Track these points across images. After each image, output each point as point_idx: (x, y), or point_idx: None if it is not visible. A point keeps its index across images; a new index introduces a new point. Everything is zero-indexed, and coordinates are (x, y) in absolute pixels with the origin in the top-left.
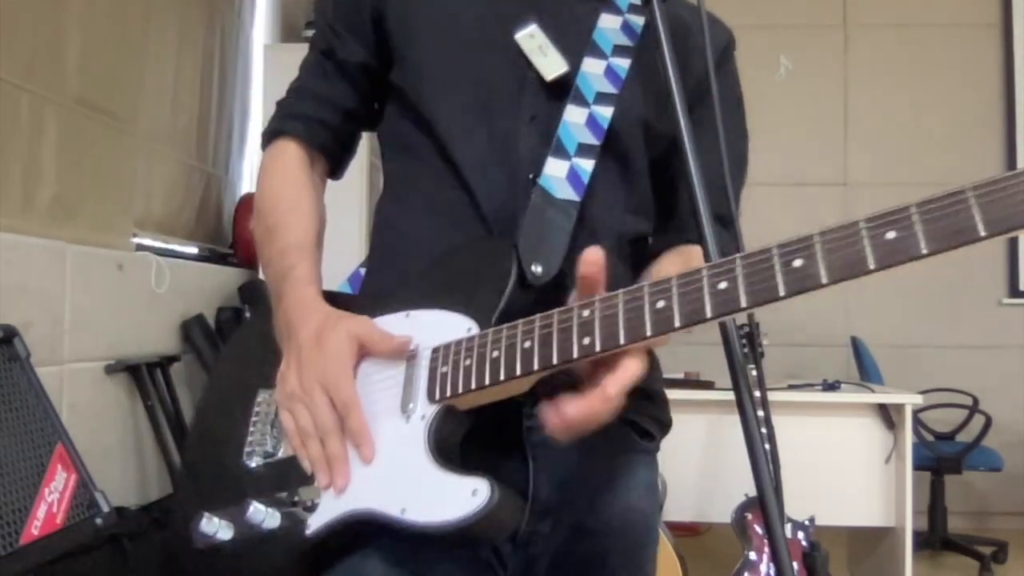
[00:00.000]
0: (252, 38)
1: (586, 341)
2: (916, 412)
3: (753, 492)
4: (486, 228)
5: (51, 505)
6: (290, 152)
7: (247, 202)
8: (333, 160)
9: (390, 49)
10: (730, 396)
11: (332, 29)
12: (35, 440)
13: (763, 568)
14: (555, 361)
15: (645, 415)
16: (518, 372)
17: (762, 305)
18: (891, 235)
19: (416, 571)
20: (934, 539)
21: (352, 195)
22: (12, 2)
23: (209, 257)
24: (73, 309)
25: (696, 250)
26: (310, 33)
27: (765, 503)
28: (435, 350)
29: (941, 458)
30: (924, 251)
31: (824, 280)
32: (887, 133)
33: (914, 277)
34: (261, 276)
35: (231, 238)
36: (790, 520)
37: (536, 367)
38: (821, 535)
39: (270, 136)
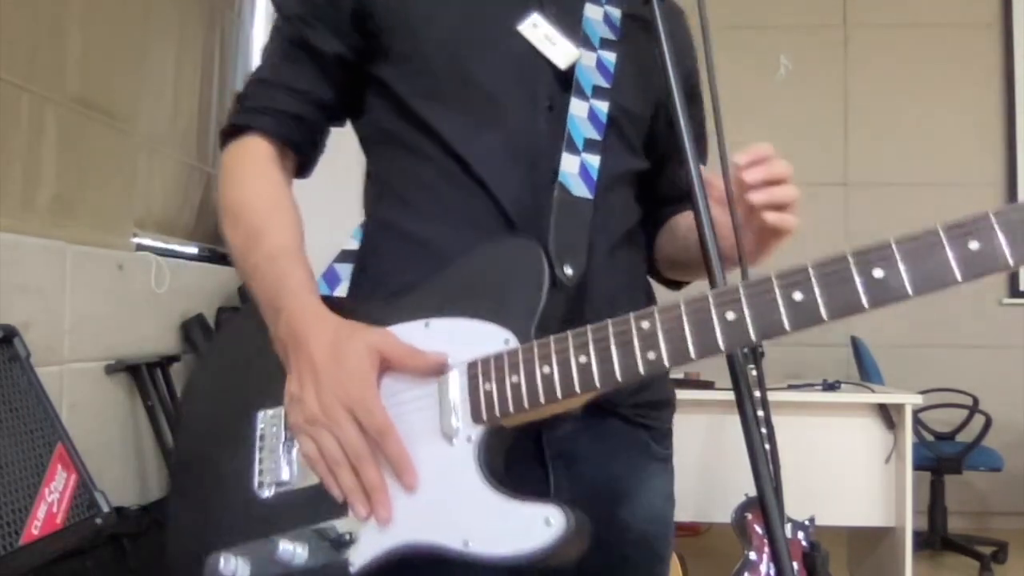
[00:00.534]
0: (252, 38)
1: (651, 355)
2: (916, 412)
3: (753, 492)
4: (509, 227)
5: (51, 505)
6: (259, 149)
7: None
8: (304, 157)
9: (375, 43)
10: (730, 396)
11: (303, 18)
12: (35, 440)
13: (763, 568)
14: (619, 378)
15: (658, 419)
16: (577, 390)
17: (840, 318)
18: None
19: None
20: (934, 539)
21: (351, 194)
22: (12, 2)
23: (209, 257)
24: (73, 309)
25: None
26: None
27: (765, 503)
28: (471, 365)
29: (941, 458)
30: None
31: (908, 291)
32: (887, 133)
33: None
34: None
35: None
36: (790, 520)
37: (598, 384)
38: (821, 535)
39: (234, 132)
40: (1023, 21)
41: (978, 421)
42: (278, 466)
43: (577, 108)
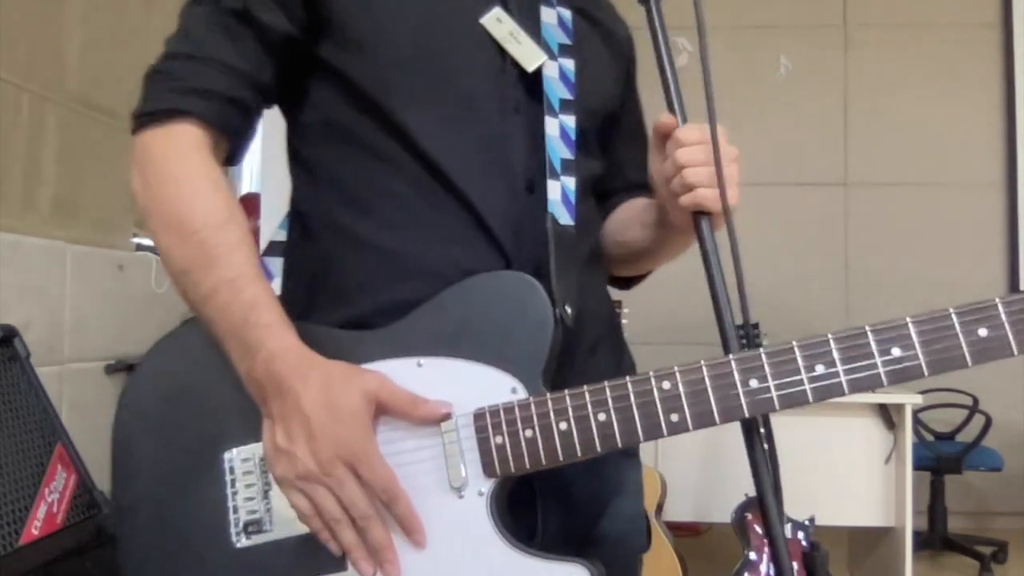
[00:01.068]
0: None
1: (674, 418)
2: (916, 412)
3: (753, 492)
4: (489, 241)
5: (51, 505)
6: (196, 141)
7: (248, 201)
8: (237, 146)
9: (328, 26)
10: None
11: None
12: (35, 440)
13: (763, 568)
14: (641, 439)
15: None
16: (599, 449)
17: (858, 392)
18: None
19: None
20: (934, 539)
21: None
22: (12, 2)
23: None
24: (73, 309)
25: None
26: None
27: (764, 503)
28: (479, 416)
29: (941, 458)
30: None
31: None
32: (887, 133)
33: (914, 277)
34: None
35: None
36: (790, 520)
37: (620, 443)
38: (821, 535)
39: (161, 116)
40: (1023, 21)
41: (978, 421)
42: (258, 513)
43: (551, 127)
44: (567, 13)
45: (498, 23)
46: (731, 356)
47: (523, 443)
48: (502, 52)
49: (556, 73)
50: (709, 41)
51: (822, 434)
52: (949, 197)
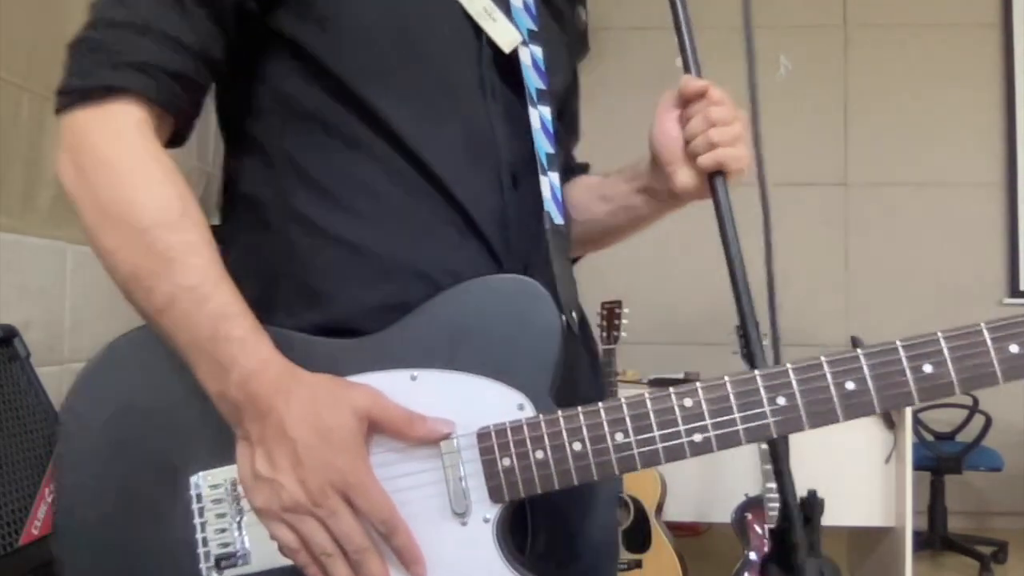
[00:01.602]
0: None
1: (697, 438)
2: (916, 412)
3: (753, 492)
4: (477, 238)
5: (51, 505)
6: (136, 121)
7: None
8: (183, 126)
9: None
10: None
11: None
12: (35, 440)
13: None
14: (663, 461)
15: None
16: (616, 471)
17: (889, 409)
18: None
19: None
20: (934, 539)
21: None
22: (12, 2)
23: None
24: (73, 309)
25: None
26: None
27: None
28: (483, 435)
29: (941, 458)
30: None
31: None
32: (887, 133)
33: (914, 277)
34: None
35: None
36: None
37: (639, 466)
38: (821, 535)
39: (95, 93)
40: (1023, 21)
41: (978, 421)
42: (232, 546)
43: (534, 119)
44: None
45: None
46: (756, 372)
47: (534, 465)
48: (477, 31)
49: (530, 60)
50: (709, 41)
51: (822, 434)
52: (949, 197)
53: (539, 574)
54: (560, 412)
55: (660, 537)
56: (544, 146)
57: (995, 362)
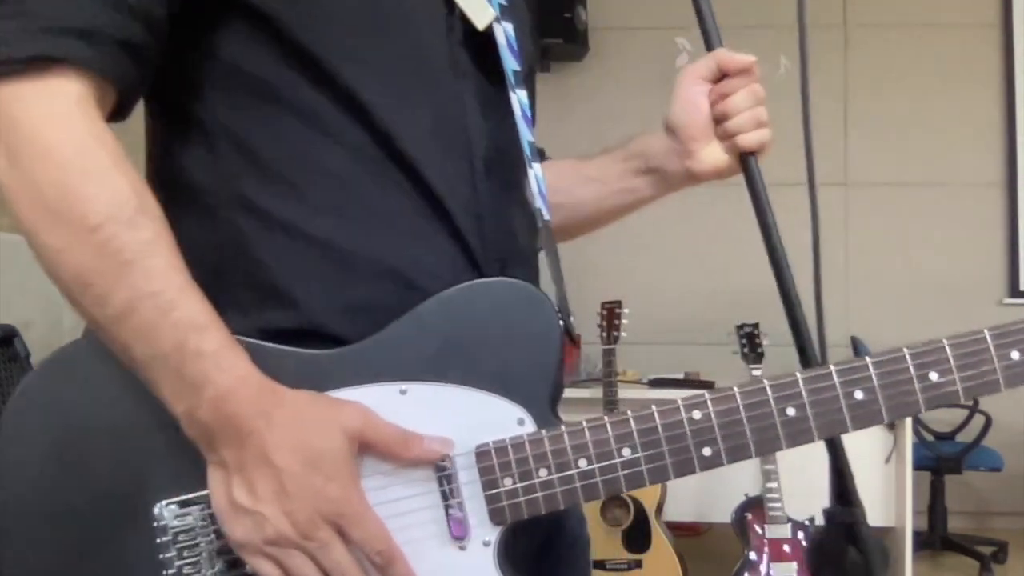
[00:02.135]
0: None
1: (707, 452)
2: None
3: (753, 492)
4: (454, 233)
5: None
6: (76, 96)
7: None
8: (127, 100)
9: None
10: None
11: None
12: None
13: (763, 568)
14: (672, 477)
15: None
16: (624, 488)
17: (896, 419)
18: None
19: None
20: (934, 539)
21: None
22: None
23: None
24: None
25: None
26: None
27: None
28: (481, 454)
29: (941, 458)
30: None
31: (960, 397)
32: (887, 133)
33: (914, 277)
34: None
35: None
36: (790, 520)
37: (647, 482)
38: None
39: (26, 65)
40: (1023, 21)
41: (978, 421)
42: None
43: (514, 104)
44: None
45: None
46: (766, 382)
47: (537, 484)
48: (449, 4)
49: (504, 39)
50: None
51: None
52: (949, 197)
53: (518, 570)
54: (564, 427)
55: (660, 537)
56: (526, 135)
57: (998, 369)
